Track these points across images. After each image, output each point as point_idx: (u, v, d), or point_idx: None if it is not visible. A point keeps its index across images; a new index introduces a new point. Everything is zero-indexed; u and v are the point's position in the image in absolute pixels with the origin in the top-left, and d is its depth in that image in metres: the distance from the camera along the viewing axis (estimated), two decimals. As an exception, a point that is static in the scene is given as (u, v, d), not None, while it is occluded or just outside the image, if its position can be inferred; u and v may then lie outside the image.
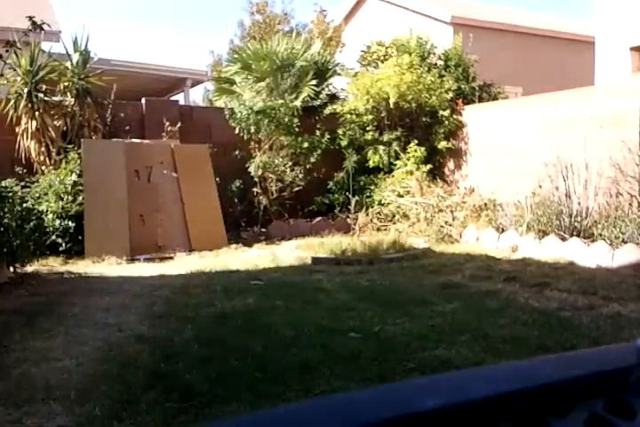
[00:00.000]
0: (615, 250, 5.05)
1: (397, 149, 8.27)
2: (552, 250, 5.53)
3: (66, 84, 7.50)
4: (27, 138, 7.09)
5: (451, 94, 8.28)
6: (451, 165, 8.56)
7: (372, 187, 8.31)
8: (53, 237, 6.22)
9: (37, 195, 6.46)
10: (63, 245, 6.28)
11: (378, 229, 7.54)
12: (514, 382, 0.25)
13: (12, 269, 5.07)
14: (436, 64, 8.84)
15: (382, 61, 8.90)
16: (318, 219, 8.17)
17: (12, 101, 7.06)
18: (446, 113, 8.21)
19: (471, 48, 9.04)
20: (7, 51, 5.85)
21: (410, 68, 8.16)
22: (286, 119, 7.99)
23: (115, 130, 7.75)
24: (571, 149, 6.56)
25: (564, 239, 5.58)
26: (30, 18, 5.79)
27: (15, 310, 3.89)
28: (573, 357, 0.30)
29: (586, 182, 6.11)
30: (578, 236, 5.58)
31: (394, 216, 7.67)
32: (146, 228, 6.77)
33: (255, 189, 8.08)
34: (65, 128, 7.44)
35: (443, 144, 8.23)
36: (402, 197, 7.75)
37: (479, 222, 6.79)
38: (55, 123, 7.35)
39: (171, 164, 7.30)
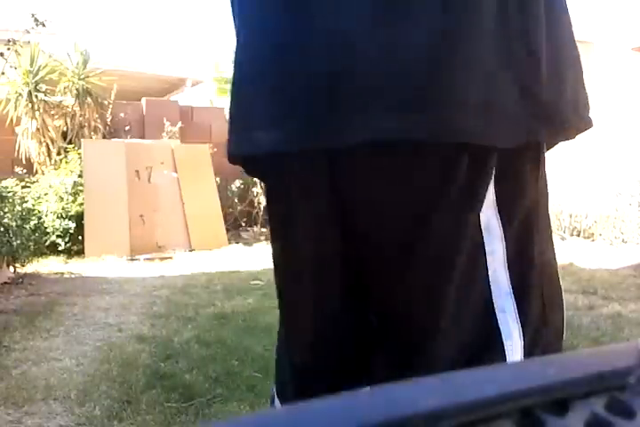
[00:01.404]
0: (615, 250, 5.06)
1: (397, 149, 8.28)
2: (552, 250, 5.53)
3: (66, 84, 7.51)
4: (27, 138, 7.10)
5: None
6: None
7: (372, 187, 8.31)
8: (53, 237, 6.22)
9: (37, 195, 6.46)
10: (63, 245, 6.29)
11: (378, 229, 7.55)
12: (514, 382, 0.25)
13: (12, 269, 5.07)
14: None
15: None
16: (318, 219, 8.17)
17: (12, 101, 7.06)
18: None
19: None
20: (8, 49, 5.86)
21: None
22: (286, 119, 8.00)
23: (115, 130, 7.76)
24: (571, 148, 6.55)
25: (563, 239, 5.59)
26: (32, 15, 5.79)
27: (15, 310, 3.89)
28: (573, 357, 0.30)
29: (586, 182, 6.11)
30: (578, 236, 5.58)
31: (394, 216, 7.67)
32: (146, 228, 6.77)
33: (255, 189, 8.08)
34: (65, 128, 7.45)
35: (443, 144, 8.23)
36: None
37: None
38: (55, 123, 7.36)
39: (171, 164, 7.30)
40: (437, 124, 0.59)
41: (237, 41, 0.73)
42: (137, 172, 7.06)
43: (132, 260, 6.22)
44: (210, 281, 4.85)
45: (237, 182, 8.03)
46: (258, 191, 8.07)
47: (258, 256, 6.20)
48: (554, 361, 0.28)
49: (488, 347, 0.64)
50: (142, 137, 7.78)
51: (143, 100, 8.25)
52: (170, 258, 6.41)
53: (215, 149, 7.88)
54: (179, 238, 6.88)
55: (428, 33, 0.59)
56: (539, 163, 0.69)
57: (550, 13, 0.68)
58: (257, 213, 8.13)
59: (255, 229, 8.04)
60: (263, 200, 8.04)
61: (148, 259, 6.31)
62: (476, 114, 0.59)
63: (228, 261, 5.85)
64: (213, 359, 2.81)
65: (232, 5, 0.78)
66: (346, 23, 0.61)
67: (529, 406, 0.25)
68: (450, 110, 0.59)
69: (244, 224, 8.15)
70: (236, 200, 8.03)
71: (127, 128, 7.78)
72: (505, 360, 0.62)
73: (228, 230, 7.38)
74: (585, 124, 0.72)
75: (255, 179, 7.98)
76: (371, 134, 0.59)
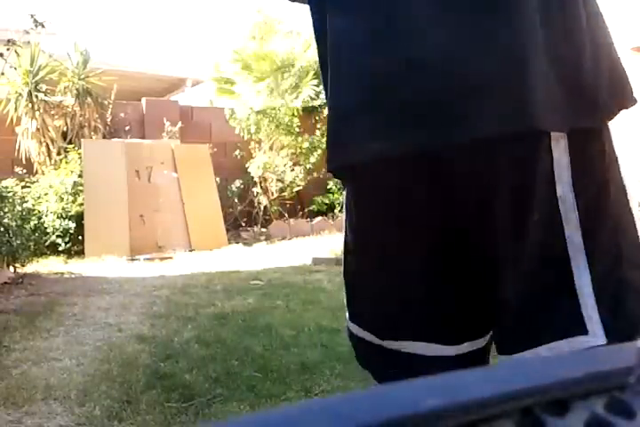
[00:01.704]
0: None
1: (397, 149, 8.27)
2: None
3: (66, 84, 7.51)
4: (27, 138, 7.10)
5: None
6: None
7: (372, 187, 8.31)
8: (53, 237, 6.22)
9: (37, 195, 6.47)
10: (63, 245, 6.29)
11: (378, 229, 7.54)
12: (514, 382, 0.25)
13: (12, 269, 5.07)
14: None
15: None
16: (318, 219, 8.17)
17: (13, 101, 7.06)
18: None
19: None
20: (8, 49, 5.86)
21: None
22: (286, 119, 8.00)
23: (115, 130, 7.76)
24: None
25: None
26: (32, 16, 5.79)
27: (15, 310, 3.89)
28: (573, 357, 0.30)
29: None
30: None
31: (394, 216, 7.67)
32: (146, 228, 6.78)
33: (255, 189, 8.08)
34: (65, 128, 7.45)
35: (443, 144, 8.23)
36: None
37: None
38: (55, 123, 7.36)
39: (171, 164, 7.31)
40: (523, 118, 0.74)
41: (333, 65, 0.84)
42: (137, 172, 7.06)
43: (132, 260, 6.22)
44: (210, 281, 4.85)
45: (237, 182, 8.03)
46: (258, 191, 8.07)
47: (258, 256, 6.20)
48: (554, 361, 0.28)
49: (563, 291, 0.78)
50: (142, 137, 7.78)
51: (143, 100, 8.26)
52: (170, 258, 6.41)
53: (215, 149, 7.88)
54: (179, 238, 6.88)
55: (504, 50, 0.74)
56: (603, 142, 0.83)
57: (588, 7, 0.80)
58: (257, 213, 8.13)
59: (255, 229, 8.04)
60: (263, 200, 8.05)
61: (147, 259, 6.31)
62: (542, 108, 0.75)
63: (228, 261, 5.85)
64: (213, 359, 2.81)
65: (316, 29, 0.91)
66: (434, 53, 0.75)
67: (529, 406, 0.25)
68: (528, 108, 0.74)
69: (243, 224, 8.15)
70: (236, 200, 8.03)
71: (127, 128, 7.79)
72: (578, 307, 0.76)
73: (228, 230, 7.38)
74: (620, 103, 0.85)
75: (255, 178, 8.00)
76: (476, 132, 0.74)
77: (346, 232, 0.95)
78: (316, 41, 0.91)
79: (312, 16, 0.91)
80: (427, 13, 0.75)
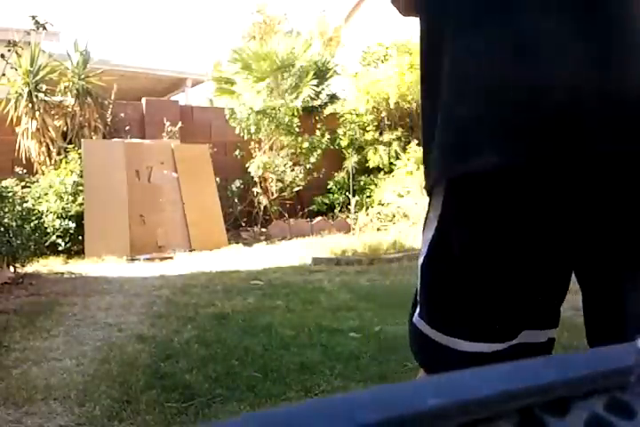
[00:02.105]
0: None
1: (398, 149, 8.27)
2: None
3: (66, 84, 7.51)
4: (27, 138, 7.10)
5: (451, 94, 8.28)
6: (451, 165, 8.55)
7: (373, 187, 8.31)
8: (53, 237, 6.22)
9: (37, 195, 6.47)
10: (63, 245, 6.29)
11: (378, 229, 7.55)
12: (514, 382, 0.25)
13: (12, 269, 5.07)
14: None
15: (382, 61, 8.91)
16: (318, 219, 8.17)
17: (13, 101, 7.06)
18: (446, 113, 8.20)
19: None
20: (9, 50, 5.86)
21: (410, 69, 8.17)
22: (286, 119, 8.00)
23: (115, 130, 7.76)
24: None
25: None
26: (33, 17, 5.80)
27: (15, 310, 3.89)
28: (573, 357, 0.30)
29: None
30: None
31: (394, 216, 7.68)
32: (146, 228, 6.78)
33: (255, 189, 8.08)
34: (65, 128, 7.45)
35: (443, 144, 8.22)
36: (402, 197, 7.75)
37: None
38: (55, 123, 7.36)
39: (171, 164, 7.30)
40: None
41: (457, 78, 0.88)
42: (137, 172, 7.06)
43: (132, 260, 6.22)
44: (210, 281, 4.85)
45: (237, 182, 8.03)
46: (258, 191, 8.07)
47: (258, 256, 6.20)
48: (554, 361, 0.28)
49: None
50: (142, 137, 7.78)
51: (143, 100, 8.26)
52: (170, 258, 6.41)
53: (215, 149, 7.88)
54: (179, 238, 6.88)
55: (634, 75, 0.82)
56: None
57: None
58: (257, 213, 8.13)
59: (255, 229, 8.04)
60: (263, 200, 8.04)
61: (148, 259, 6.31)
62: None
63: (228, 261, 5.85)
64: (213, 359, 2.81)
65: (423, 38, 0.96)
66: (569, 68, 0.82)
67: (529, 406, 0.25)
68: None
69: (243, 224, 8.15)
70: (236, 200, 8.03)
71: (127, 128, 7.79)
72: None
73: (228, 230, 7.38)
74: None
75: (255, 178, 8.00)
76: (613, 146, 0.81)
77: (441, 237, 0.99)
78: (422, 50, 0.97)
79: (421, 26, 0.97)
80: (552, 38, 0.83)
